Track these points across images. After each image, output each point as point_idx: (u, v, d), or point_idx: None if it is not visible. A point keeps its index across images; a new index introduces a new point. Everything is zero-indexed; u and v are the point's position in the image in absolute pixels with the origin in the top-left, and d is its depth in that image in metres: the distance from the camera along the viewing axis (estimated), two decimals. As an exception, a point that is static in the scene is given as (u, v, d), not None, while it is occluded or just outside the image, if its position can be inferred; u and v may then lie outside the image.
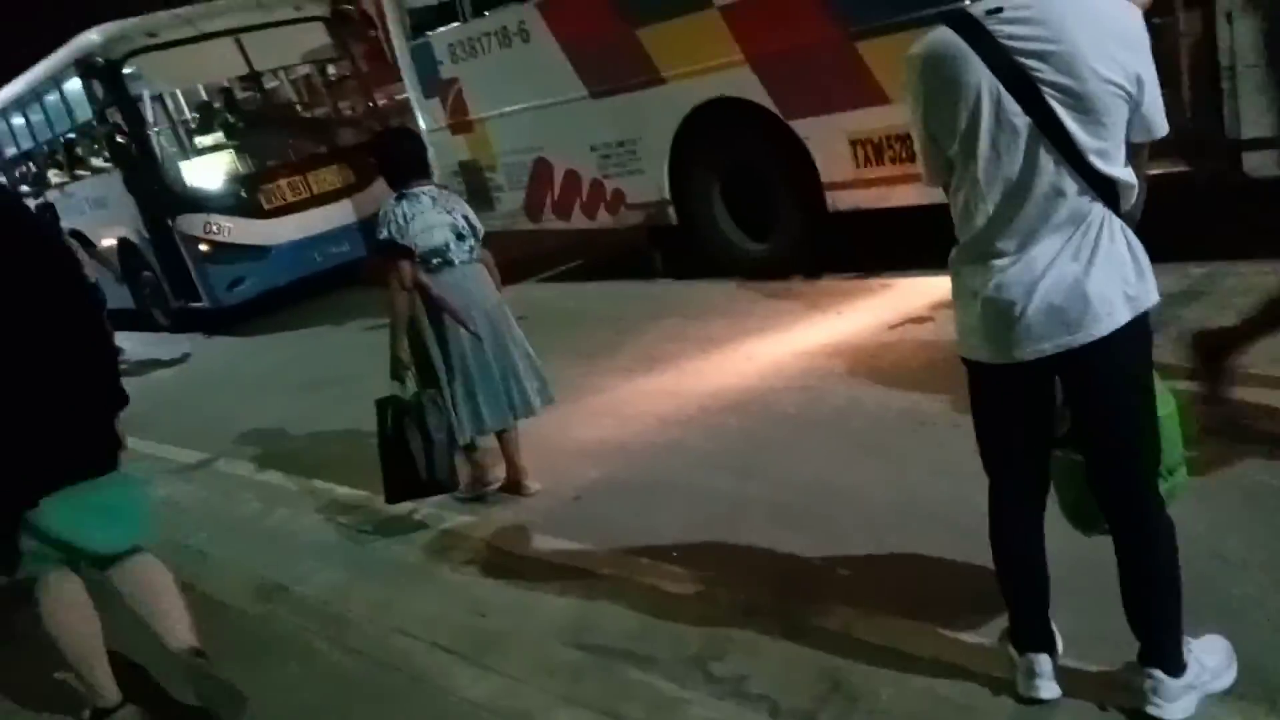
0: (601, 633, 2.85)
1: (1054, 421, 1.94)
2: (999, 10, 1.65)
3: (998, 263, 1.78)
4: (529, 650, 2.87)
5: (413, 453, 3.63)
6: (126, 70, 8.89)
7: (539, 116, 7.26)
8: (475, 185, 8.08)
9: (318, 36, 9.88)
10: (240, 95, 10.56)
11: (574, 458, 4.20)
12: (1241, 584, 2.37)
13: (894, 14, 4.76)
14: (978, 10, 1.67)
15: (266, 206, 9.24)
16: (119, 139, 9.22)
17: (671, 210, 6.75)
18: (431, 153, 8.43)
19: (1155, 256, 1.85)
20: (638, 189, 6.86)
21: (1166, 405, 1.94)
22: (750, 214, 6.40)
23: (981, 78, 1.66)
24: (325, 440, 5.28)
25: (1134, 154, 1.75)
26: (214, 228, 8.98)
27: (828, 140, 5.62)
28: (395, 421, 3.68)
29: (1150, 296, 1.78)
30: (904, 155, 5.20)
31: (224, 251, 9.07)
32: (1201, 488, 2.61)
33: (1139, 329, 1.79)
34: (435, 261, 3.70)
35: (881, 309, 5.15)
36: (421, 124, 8.43)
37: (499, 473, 4.07)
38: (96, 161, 10.16)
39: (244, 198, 9.22)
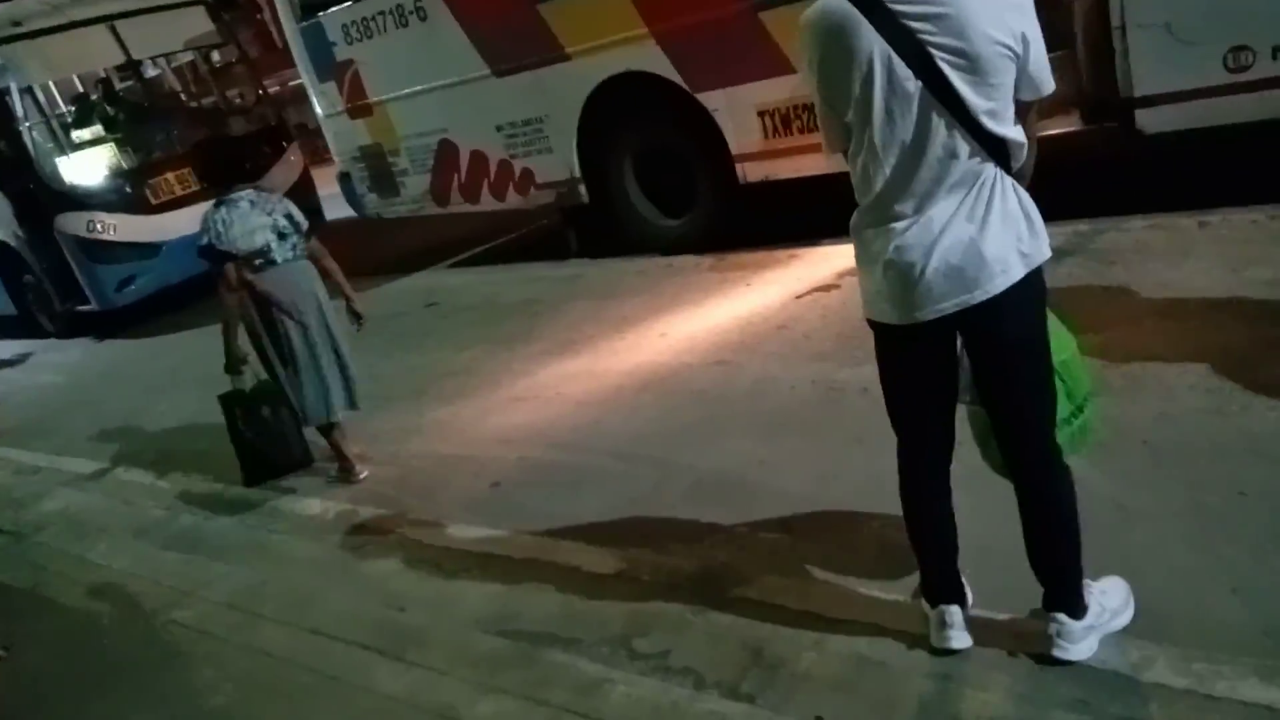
0: (524, 619, 2.82)
1: (957, 380, 1.98)
2: (889, -24, 1.65)
3: (896, 225, 1.79)
4: (450, 642, 2.82)
5: (261, 438, 4.19)
6: (-9, 63, 8.38)
7: (441, 97, 7.10)
8: (378, 170, 7.92)
9: (200, 22, 9.45)
10: (120, 86, 10.06)
11: (492, 445, 4.14)
12: (1141, 534, 2.45)
13: (797, -17, 4.77)
14: (867, -24, 1.67)
15: (154, 201, 8.73)
16: None
17: (583, 188, 6.68)
18: (330, 138, 8.34)
19: (1045, 214, 1.89)
20: (547, 168, 6.78)
21: (1067, 348, 1.99)
22: (663, 190, 6.38)
23: (873, 44, 1.67)
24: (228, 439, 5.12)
25: (1023, 113, 1.78)
26: (98, 226, 8.46)
27: (736, 112, 5.63)
28: (240, 412, 4.15)
29: (1043, 252, 1.82)
30: (811, 124, 5.24)
31: (111, 250, 8.53)
32: (1106, 441, 2.71)
33: (1034, 284, 1.83)
34: (259, 261, 3.92)
35: (789, 279, 5.21)
36: (318, 109, 8.25)
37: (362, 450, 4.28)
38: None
39: (129, 193, 8.68)
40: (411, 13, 6.91)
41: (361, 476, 4.13)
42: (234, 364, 4.06)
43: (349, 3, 7.33)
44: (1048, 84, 1.77)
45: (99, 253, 8.49)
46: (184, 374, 6.74)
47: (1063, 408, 2.01)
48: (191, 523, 4.22)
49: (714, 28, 5.43)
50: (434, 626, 2.91)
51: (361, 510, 3.83)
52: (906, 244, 1.78)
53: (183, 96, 10.86)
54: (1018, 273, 1.78)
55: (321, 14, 7.63)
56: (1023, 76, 1.73)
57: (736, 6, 5.30)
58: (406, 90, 7.34)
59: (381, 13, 7.12)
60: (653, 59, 5.81)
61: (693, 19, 5.51)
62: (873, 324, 1.96)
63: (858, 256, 1.92)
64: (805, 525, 2.91)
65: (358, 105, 7.75)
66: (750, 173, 5.76)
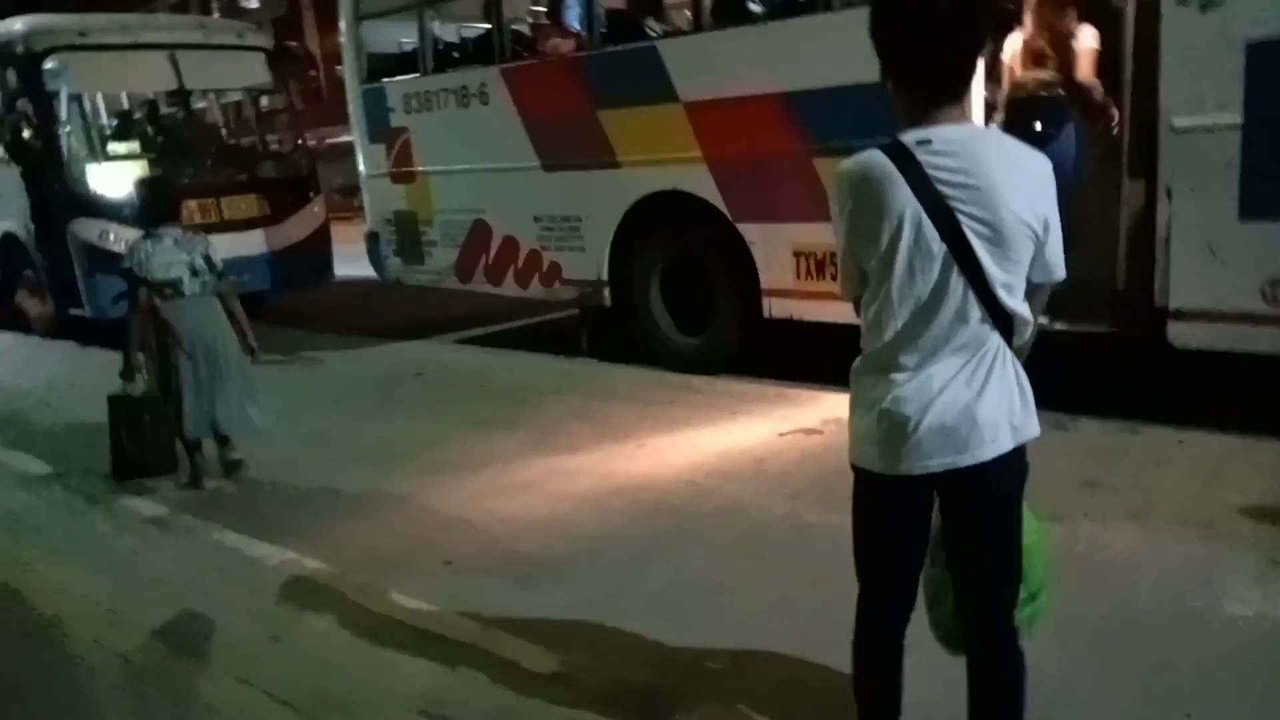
0: (451, 706, 2.74)
1: (929, 540, 2.00)
2: (928, 142, 1.75)
3: (898, 377, 1.84)
4: (373, 715, 2.73)
5: (133, 440, 4.78)
6: (47, 65, 8.55)
7: (486, 179, 7.29)
8: (408, 237, 8.02)
9: (256, 67, 9.75)
10: (165, 110, 10.24)
11: (452, 522, 4.10)
12: (1085, 725, 2.44)
13: (853, 137, 4.95)
14: (909, 139, 1.78)
15: None
16: (24, 130, 8.81)
17: (607, 292, 6.77)
18: (367, 198, 8.54)
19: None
20: (576, 266, 6.88)
21: (1031, 533, 2.02)
22: (685, 307, 6.46)
23: (906, 202, 1.75)
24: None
25: (1032, 294, 1.86)
26: (110, 237, 8.49)
27: (773, 247, 5.76)
28: (124, 413, 4.75)
29: (1032, 429, 1.87)
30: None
31: (116, 263, 8.60)
32: (1058, 632, 2.71)
33: (1019, 458, 1.87)
34: (168, 291, 4.56)
35: (774, 416, 5.26)
36: (361, 167, 8.40)
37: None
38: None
39: (152, 209, 8.77)
40: (475, 95, 7.17)
41: (208, 487, 4.72)
42: (129, 372, 4.70)
43: (415, 75, 7.62)
44: (1059, 270, 1.86)
45: (105, 263, 8.39)
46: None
47: (1019, 591, 2.03)
48: (132, 545, 4.13)
49: (767, 164, 5.62)
50: (361, 696, 2.82)
51: (307, 562, 3.76)
52: (905, 396, 1.83)
53: (223, 132, 11.02)
54: (1006, 444, 1.83)
55: (386, 80, 7.88)
56: (1038, 258, 1.81)
57: (792, 148, 5.46)
58: (453, 166, 7.53)
59: (445, 90, 7.38)
60: (700, 182, 5.98)
61: (747, 152, 5.70)
62: (856, 469, 1.99)
63: (853, 400, 1.96)
64: (752, 659, 2.88)
65: (401, 171, 7.91)
66: (776, 308, 5.84)
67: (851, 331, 2.00)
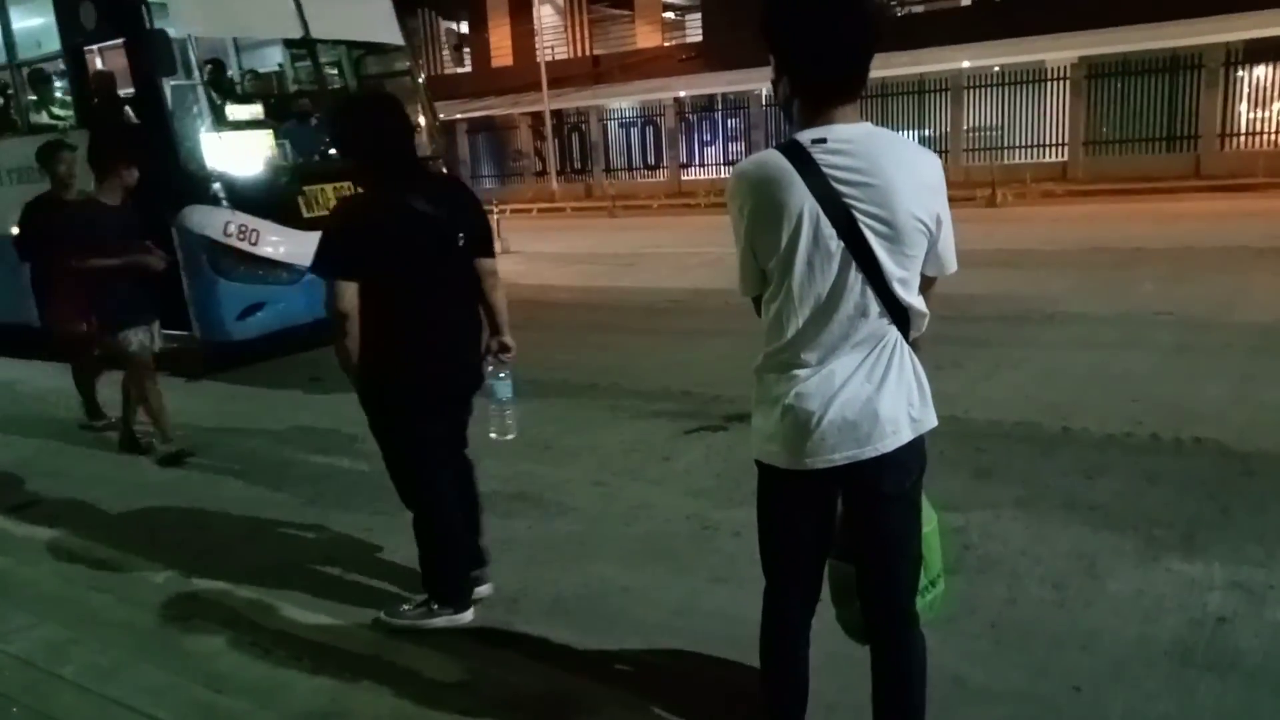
0: (354, 718, 2.65)
1: (833, 532, 2.02)
2: (824, 141, 1.77)
3: (800, 373, 1.86)
4: (269, 733, 2.62)
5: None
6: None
7: None
8: None
9: (386, 21, 8.23)
10: (289, 69, 8.48)
11: (349, 535, 3.96)
12: (977, 712, 2.51)
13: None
14: (804, 138, 1.79)
15: (306, 215, 6.80)
16: (102, 86, 7.09)
17: None
18: None
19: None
20: None
21: (929, 521, 2.07)
22: None
23: (804, 201, 1.76)
24: (74, 485, 4.80)
25: (925, 287, 1.90)
26: (239, 230, 6.53)
27: None
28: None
29: (930, 420, 1.91)
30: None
31: (246, 265, 6.63)
32: (955, 617, 2.79)
33: (918, 450, 1.91)
34: None
35: (680, 414, 5.28)
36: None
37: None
38: (35, 117, 7.64)
39: (282, 198, 6.80)
40: None
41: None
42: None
43: None
44: (951, 264, 1.90)
45: (230, 265, 6.59)
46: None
47: (920, 578, 2.07)
48: (3, 564, 3.86)
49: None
50: (253, 715, 2.70)
51: (193, 578, 3.58)
52: (807, 392, 1.84)
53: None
54: (906, 435, 1.86)
55: None
56: (931, 253, 1.85)
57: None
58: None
59: None
60: None
61: None
62: (760, 465, 2.00)
63: (757, 397, 1.97)
64: (658, 660, 2.87)
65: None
66: None
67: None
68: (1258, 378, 5.28)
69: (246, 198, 6.64)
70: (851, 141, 1.76)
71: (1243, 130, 18.10)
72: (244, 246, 6.53)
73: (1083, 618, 2.95)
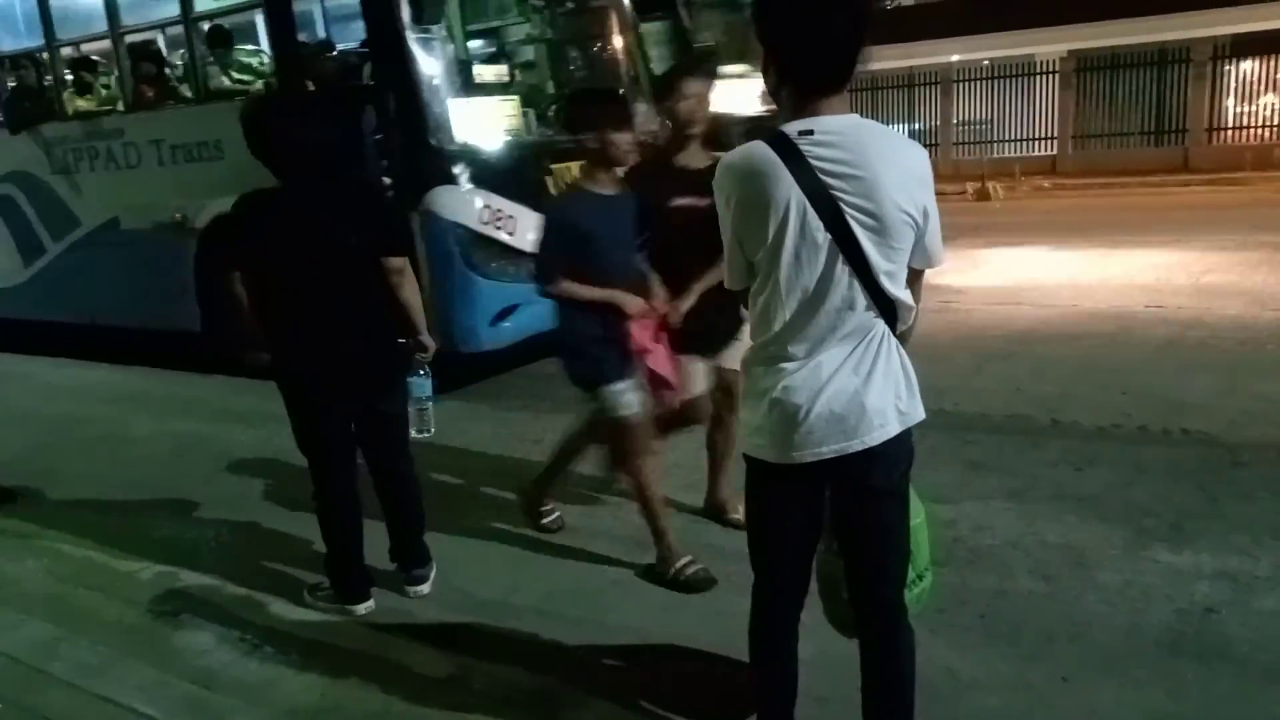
0: (342, 715, 2.64)
1: (822, 526, 2.02)
2: (810, 133, 1.76)
3: (787, 366, 1.85)
4: (258, 729, 2.61)
5: None
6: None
7: None
8: None
9: None
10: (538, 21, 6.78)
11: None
12: (969, 704, 2.52)
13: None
14: (791, 130, 1.78)
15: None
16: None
17: None
18: None
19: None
20: None
21: (918, 514, 2.07)
22: None
23: (790, 193, 1.76)
24: (63, 482, 4.78)
25: (913, 280, 1.89)
26: (498, 216, 5.32)
27: None
28: None
29: (918, 413, 1.91)
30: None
31: (504, 259, 5.39)
32: (945, 609, 2.80)
33: (905, 443, 1.91)
34: None
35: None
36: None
37: None
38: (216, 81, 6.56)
39: (534, 179, 5.41)
40: None
41: None
42: None
43: None
44: (939, 257, 1.89)
45: (488, 260, 5.36)
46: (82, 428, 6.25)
47: (908, 571, 2.07)
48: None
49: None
50: (243, 712, 2.69)
51: (183, 574, 3.57)
52: (794, 385, 1.84)
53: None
54: (894, 429, 1.86)
55: None
56: (918, 246, 1.85)
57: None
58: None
59: None
60: None
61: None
62: (748, 459, 1.99)
63: (745, 391, 1.97)
64: (648, 655, 2.87)
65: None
66: None
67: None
68: (1246, 369, 5.30)
69: (498, 178, 5.42)
70: (839, 134, 1.76)
71: (1230, 124, 18.19)
72: (501, 236, 5.35)
73: (1072, 608, 2.96)
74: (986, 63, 19.79)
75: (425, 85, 5.23)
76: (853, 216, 1.75)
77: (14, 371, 7.57)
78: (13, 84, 7.61)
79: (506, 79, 6.03)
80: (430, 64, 5.26)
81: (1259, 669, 2.59)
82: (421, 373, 3.32)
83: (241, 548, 3.85)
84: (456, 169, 5.29)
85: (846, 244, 1.76)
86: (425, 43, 5.25)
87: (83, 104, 7.29)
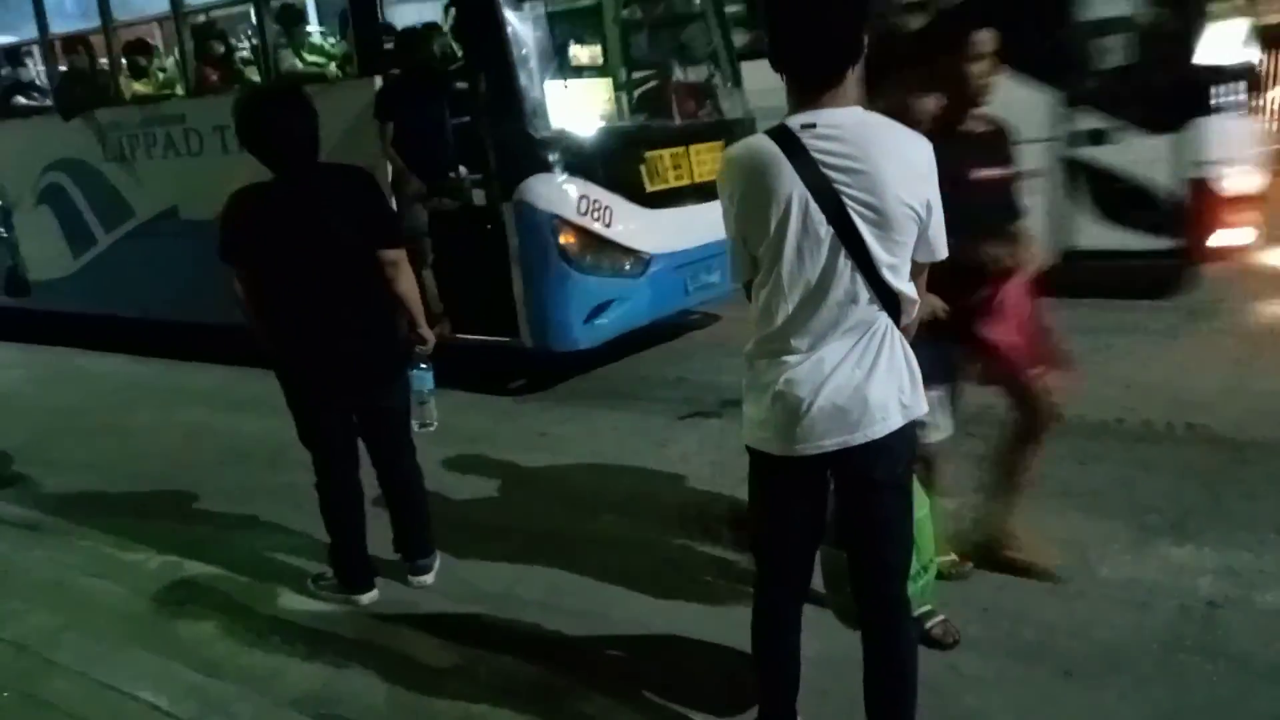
0: (343, 705, 2.65)
1: (824, 517, 2.02)
2: (813, 126, 1.76)
3: (790, 359, 1.86)
4: (258, 718, 2.62)
5: None
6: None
7: None
8: None
9: None
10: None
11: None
12: (972, 699, 2.52)
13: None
14: (794, 123, 1.78)
15: (648, 188, 5.40)
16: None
17: None
18: None
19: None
20: None
21: (922, 507, 2.07)
22: None
23: (793, 186, 1.76)
24: (68, 471, 4.80)
25: (916, 273, 1.89)
26: (594, 208, 5.09)
27: None
28: None
29: (920, 407, 1.91)
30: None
31: (600, 253, 5.18)
32: (948, 603, 2.79)
33: (908, 436, 1.91)
34: None
35: (674, 400, 5.27)
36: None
37: None
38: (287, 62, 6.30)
39: (627, 166, 5.31)
40: None
41: None
42: None
43: None
44: (942, 250, 1.89)
45: (584, 254, 5.10)
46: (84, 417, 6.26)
47: (911, 563, 2.08)
48: (1, 549, 3.87)
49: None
50: (247, 699, 2.70)
51: (188, 564, 3.58)
52: (797, 378, 1.84)
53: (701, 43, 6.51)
54: (896, 422, 1.86)
55: None
56: (921, 240, 1.85)
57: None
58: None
59: None
60: None
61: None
62: (752, 452, 2.00)
63: (748, 384, 1.97)
64: (652, 647, 2.88)
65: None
66: None
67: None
68: (1251, 366, 5.27)
69: (594, 166, 5.19)
70: (841, 127, 1.76)
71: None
72: (597, 228, 5.10)
73: (1075, 604, 2.95)
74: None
75: (521, 67, 4.97)
76: (855, 210, 1.75)
77: (24, 360, 7.60)
78: (64, 69, 7.28)
79: (601, 61, 5.78)
80: (525, 45, 5.02)
81: (1262, 665, 2.59)
82: (422, 366, 3.31)
83: (246, 537, 3.86)
84: (552, 156, 5.04)
85: (849, 237, 1.76)
86: (520, 23, 5.02)
87: (140, 88, 6.97)
